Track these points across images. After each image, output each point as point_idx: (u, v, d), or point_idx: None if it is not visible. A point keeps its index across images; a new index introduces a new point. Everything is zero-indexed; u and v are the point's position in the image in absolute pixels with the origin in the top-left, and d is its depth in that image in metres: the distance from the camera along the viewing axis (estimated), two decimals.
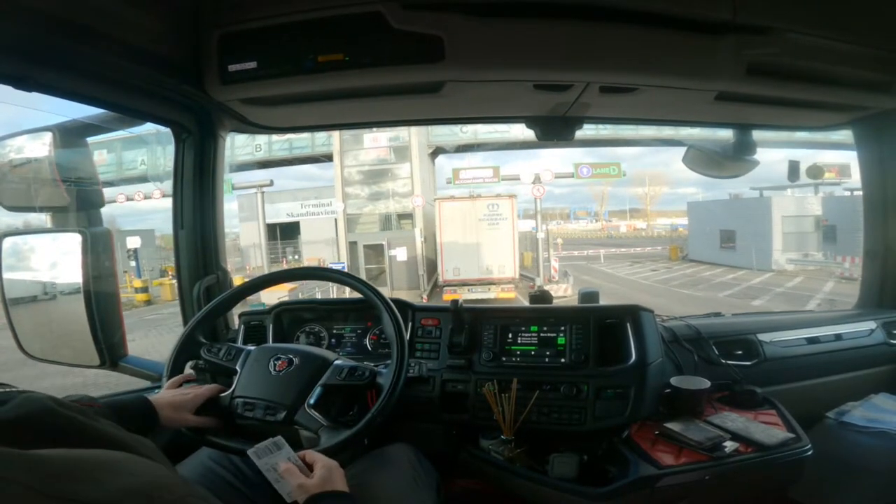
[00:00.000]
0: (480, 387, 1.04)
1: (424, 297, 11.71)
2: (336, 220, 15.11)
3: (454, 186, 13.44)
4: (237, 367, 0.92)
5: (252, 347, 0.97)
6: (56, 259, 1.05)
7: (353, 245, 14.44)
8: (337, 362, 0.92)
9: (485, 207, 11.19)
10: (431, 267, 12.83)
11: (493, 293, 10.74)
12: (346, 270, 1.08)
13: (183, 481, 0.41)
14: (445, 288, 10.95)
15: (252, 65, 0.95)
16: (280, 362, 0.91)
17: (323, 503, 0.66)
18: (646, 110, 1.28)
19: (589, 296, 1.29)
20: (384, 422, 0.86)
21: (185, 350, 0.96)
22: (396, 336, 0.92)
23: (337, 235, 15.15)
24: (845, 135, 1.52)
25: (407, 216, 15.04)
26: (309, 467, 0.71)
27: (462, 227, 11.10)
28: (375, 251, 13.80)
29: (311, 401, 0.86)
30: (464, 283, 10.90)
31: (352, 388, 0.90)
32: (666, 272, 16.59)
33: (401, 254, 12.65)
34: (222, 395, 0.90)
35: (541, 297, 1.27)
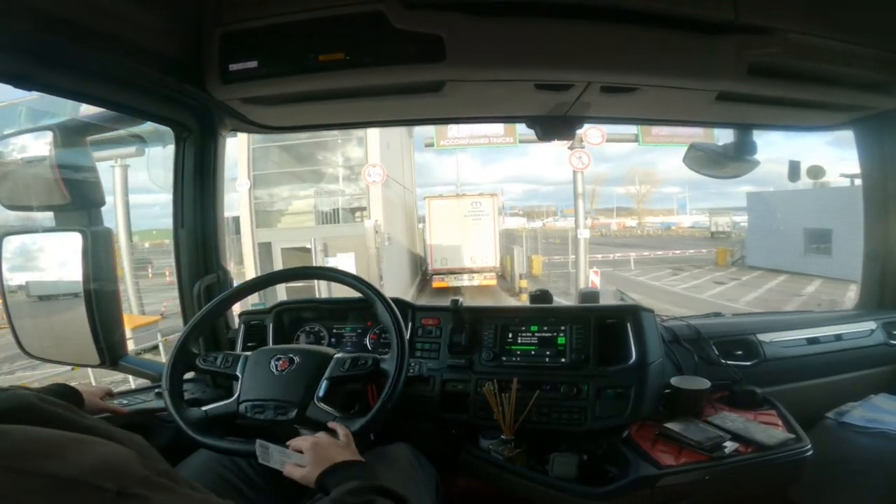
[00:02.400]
0: (480, 386, 1.04)
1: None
2: (255, 210, 9.64)
3: (437, 151, 10.83)
4: (237, 373, 0.92)
5: (248, 353, 0.96)
6: (56, 258, 1.05)
7: (265, 248, 9.68)
8: (338, 356, 0.93)
9: (469, 205, 12.49)
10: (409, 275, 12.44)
11: (476, 281, 11.99)
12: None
13: (148, 466, 0.42)
14: (434, 276, 12.13)
15: (253, 64, 0.95)
16: (281, 362, 0.91)
17: (327, 480, 0.67)
18: (647, 110, 1.28)
19: (589, 295, 1.29)
20: (394, 408, 0.86)
21: (180, 362, 0.94)
22: (393, 323, 0.92)
23: (280, 236, 9.89)
24: None
25: (362, 209, 10.64)
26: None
27: (449, 222, 12.21)
28: (308, 257, 9.16)
29: (320, 395, 0.87)
30: (451, 272, 12.00)
31: (357, 378, 0.91)
32: (741, 286, 12.53)
33: (346, 264, 8.10)
34: (227, 401, 0.90)
35: (541, 296, 1.27)
